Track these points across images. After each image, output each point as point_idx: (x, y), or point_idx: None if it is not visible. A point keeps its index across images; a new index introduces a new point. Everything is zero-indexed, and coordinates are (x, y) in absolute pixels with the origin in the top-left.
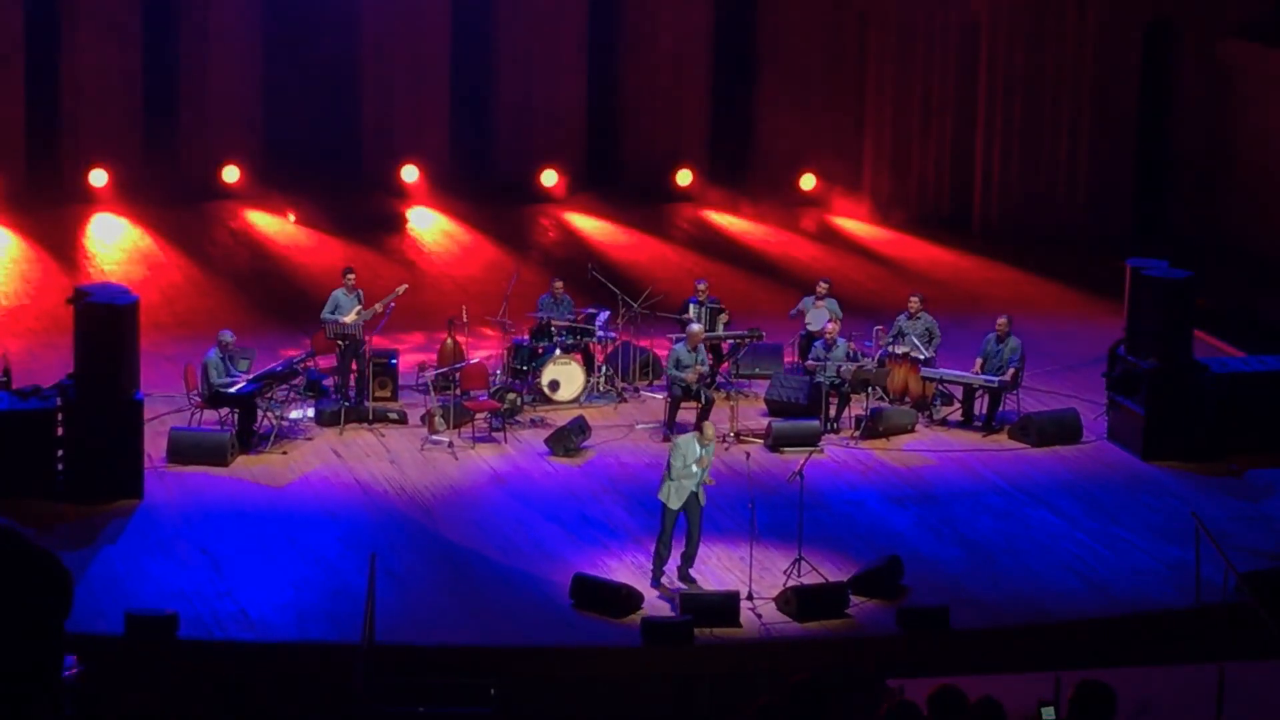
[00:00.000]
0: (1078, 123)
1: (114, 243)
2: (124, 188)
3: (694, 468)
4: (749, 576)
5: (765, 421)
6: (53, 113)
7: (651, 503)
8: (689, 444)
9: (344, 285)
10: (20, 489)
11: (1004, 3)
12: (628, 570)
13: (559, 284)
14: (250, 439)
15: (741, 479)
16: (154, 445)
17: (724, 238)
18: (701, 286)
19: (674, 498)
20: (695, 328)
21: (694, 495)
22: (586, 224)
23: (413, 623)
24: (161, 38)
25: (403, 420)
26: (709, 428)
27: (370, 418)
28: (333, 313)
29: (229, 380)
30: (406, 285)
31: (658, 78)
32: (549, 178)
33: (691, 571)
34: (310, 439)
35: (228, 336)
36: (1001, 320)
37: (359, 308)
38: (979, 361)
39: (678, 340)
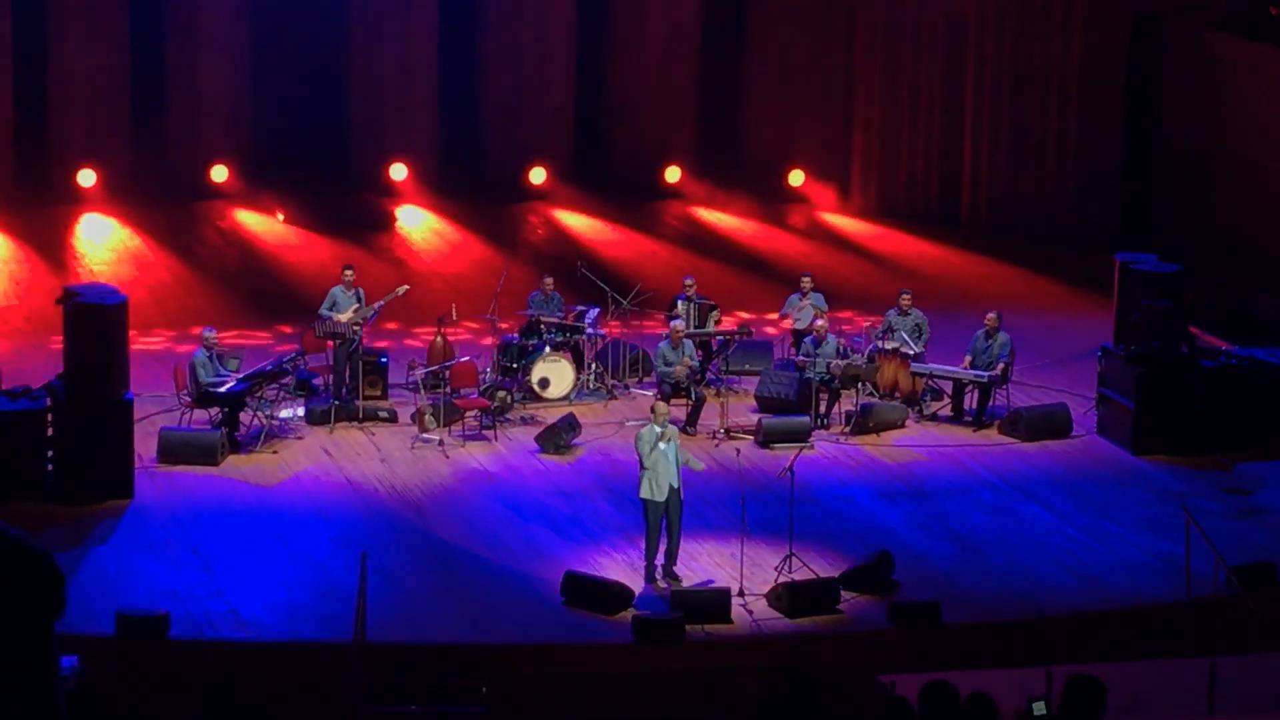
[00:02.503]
0: (1065, 117)
1: (103, 243)
2: (112, 188)
3: (661, 446)
4: (740, 573)
5: (755, 418)
6: (41, 113)
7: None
8: (649, 430)
9: (342, 282)
10: (10, 490)
11: None
12: (619, 567)
13: (549, 281)
14: (237, 438)
15: (732, 475)
16: (144, 445)
17: (713, 234)
18: (689, 282)
19: (654, 490)
20: (677, 324)
21: (674, 491)
22: (575, 221)
23: (404, 621)
24: (149, 38)
25: (393, 419)
26: (660, 406)
27: (360, 416)
28: (330, 309)
29: (218, 379)
30: (407, 286)
31: (646, 74)
32: (537, 175)
33: (681, 569)
34: (301, 438)
35: (210, 334)
36: (991, 315)
37: (357, 306)
38: (967, 357)
39: (664, 338)
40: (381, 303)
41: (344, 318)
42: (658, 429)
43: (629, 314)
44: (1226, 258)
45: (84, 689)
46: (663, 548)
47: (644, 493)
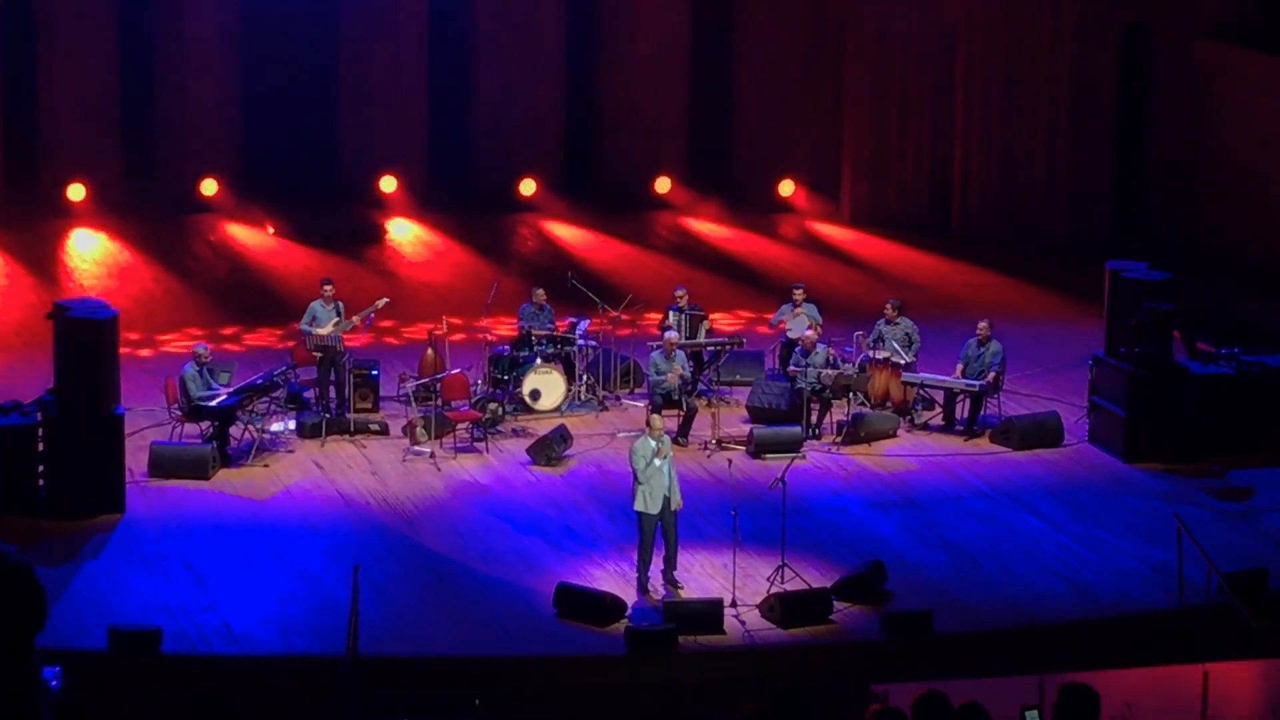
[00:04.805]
0: (1055, 126)
1: (92, 257)
2: (102, 202)
3: (656, 462)
4: (732, 583)
5: (747, 428)
6: (30, 127)
7: (634, 511)
8: (643, 443)
9: (321, 296)
10: (1, 505)
11: (980, 6)
12: (611, 579)
13: (540, 293)
14: (228, 451)
15: (724, 486)
16: (135, 459)
17: (703, 244)
18: (680, 293)
19: (649, 502)
20: (669, 335)
21: (668, 500)
22: (566, 232)
23: (396, 634)
24: (138, 50)
25: (384, 431)
26: (656, 420)
27: (351, 429)
28: (309, 324)
29: (209, 393)
30: (388, 299)
31: (636, 85)
32: (527, 187)
33: (676, 576)
34: (292, 451)
35: (203, 350)
36: (983, 324)
37: (336, 319)
38: (960, 366)
39: (655, 348)
40: (364, 315)
41: (324, 331)
42: (653, 443)
43: (620, 325)
44: (1217, 264)
45: (68, 699)
46: (662, 555)
47: (638, 505)
